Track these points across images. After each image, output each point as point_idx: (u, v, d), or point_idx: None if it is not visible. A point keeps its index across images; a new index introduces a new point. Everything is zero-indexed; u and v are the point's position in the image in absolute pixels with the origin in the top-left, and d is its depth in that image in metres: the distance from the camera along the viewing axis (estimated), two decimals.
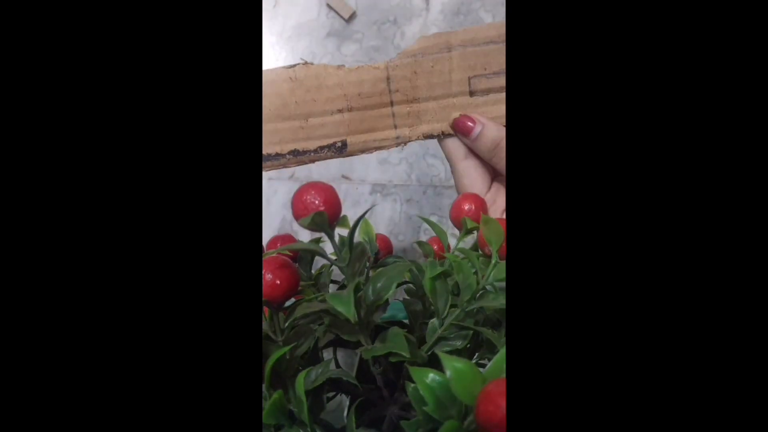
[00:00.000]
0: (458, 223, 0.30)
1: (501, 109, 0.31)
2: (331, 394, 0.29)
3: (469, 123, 0.29)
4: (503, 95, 0.30)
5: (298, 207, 0.26)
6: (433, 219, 0.55)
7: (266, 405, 0.23)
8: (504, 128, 0.30)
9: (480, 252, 0.30)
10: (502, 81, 0.30)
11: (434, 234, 0.54)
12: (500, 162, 0.30)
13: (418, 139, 0.32)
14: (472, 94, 0.30)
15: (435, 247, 0.40)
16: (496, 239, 0.28)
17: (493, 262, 0.27)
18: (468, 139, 0.30)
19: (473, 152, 0.31)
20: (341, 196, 0.27)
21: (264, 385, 0.24)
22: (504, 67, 0.30)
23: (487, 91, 0.31)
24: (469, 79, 0.30)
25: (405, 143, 0.32)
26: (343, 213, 0.27)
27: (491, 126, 0.29)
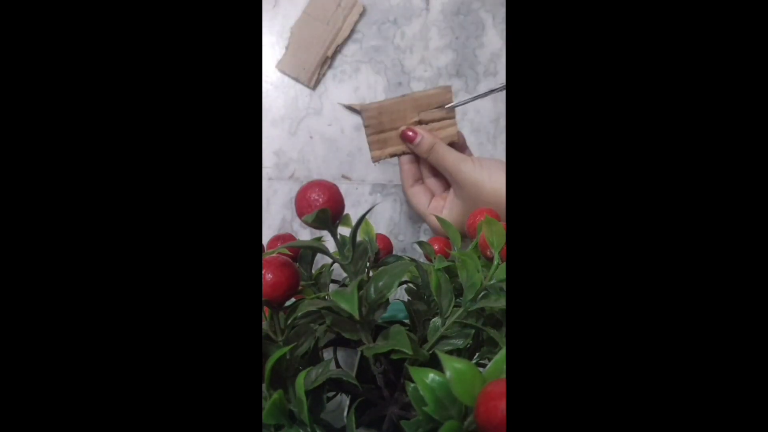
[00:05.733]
0: (472, 231, 0.36)
1: (449, 131, 0.45)
2: (331, 394, 0.29)
3: (411, 134, 0.43)
4: (450, 122, 0.44)
5: (302, 204, 0.26)
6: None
7: (266, 405, 0.23)
8: (436, 137, 0.44)
9: (480, 254, 0.30)
10: (443, 113, 0.44)
11: (434, 234, 0.54)
12: (435, 161, 0.44)
13: (386, 158, 0.45)
14: (420, 123, 0.44)
15: (435, 247, 0.40)
16: (498, 241, 0.28)
17: (495, 263, 0.27)
18: (412, 144, 0.43)
19: (418, 179, 0.47)
20: None
21: (264, 385, 0.24)
22: (447, 103, 0.43)
23: (433, 120, 0.44)
24: (419, 113, 0.44)
25: (378, 161, 0.45)
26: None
27: (427, 135, 0.43)
